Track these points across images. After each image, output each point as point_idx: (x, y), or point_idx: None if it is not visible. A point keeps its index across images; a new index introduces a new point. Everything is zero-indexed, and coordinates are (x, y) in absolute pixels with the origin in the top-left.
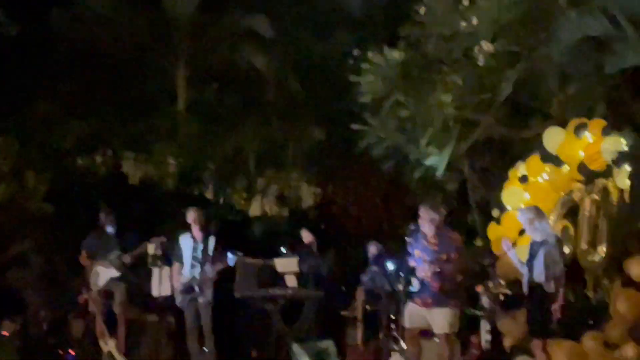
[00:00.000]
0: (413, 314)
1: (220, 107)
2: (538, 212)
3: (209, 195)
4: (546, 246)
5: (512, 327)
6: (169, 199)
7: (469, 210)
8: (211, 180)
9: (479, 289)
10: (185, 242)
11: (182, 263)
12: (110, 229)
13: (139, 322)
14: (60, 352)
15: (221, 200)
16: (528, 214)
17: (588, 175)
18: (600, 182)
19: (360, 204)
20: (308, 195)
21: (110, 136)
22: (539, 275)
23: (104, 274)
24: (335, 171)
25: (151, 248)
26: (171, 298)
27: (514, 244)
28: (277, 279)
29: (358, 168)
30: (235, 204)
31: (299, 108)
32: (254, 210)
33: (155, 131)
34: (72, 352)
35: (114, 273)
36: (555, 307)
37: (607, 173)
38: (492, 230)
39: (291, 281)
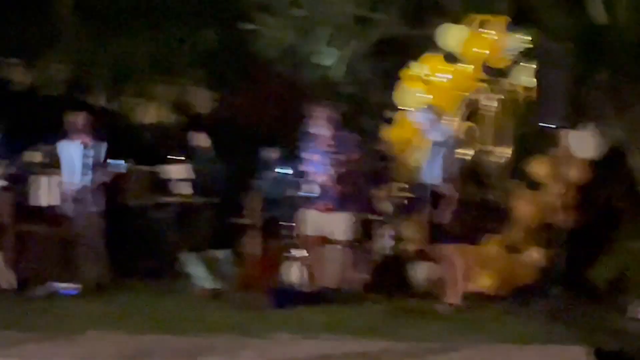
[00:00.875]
0: (313, 220)
1: (108, 8)
2: (439, 113)
3: (100, 102)
4: (446, 147)
5: (413, 232)
6: (58, 106)
7: (367, 113)
8: (102, 86)
9: (380, 192)
10: (75, 149)
11: (72, 171)
12: None
13: (28, 234)
14: None
15: (113, 108)
16: (429, 114)
17: (492, 74)
18: (505, 81)
19: (257, 109)
20: (204, 101)
21: None
22: (437, 177)
23: None
24: (231, 75)
25: (38, 156)
26: (60, 207)
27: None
28: (170, 186)
29: (255, 71)
30: (128, 110)
31: (191, 8)
32: (148, 117)
33: (39, 35)
34: None
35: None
36: (451, 209)
37: (511, 72)
38: (389, 133)
39: (184, 188)
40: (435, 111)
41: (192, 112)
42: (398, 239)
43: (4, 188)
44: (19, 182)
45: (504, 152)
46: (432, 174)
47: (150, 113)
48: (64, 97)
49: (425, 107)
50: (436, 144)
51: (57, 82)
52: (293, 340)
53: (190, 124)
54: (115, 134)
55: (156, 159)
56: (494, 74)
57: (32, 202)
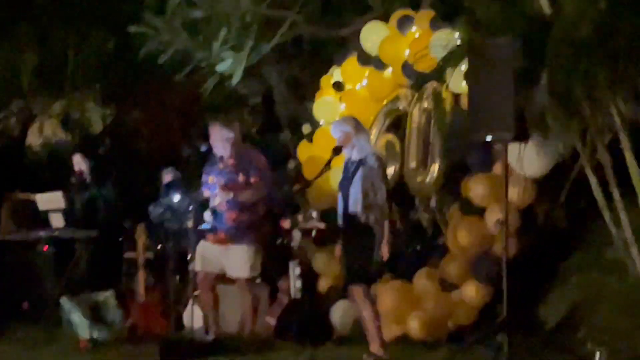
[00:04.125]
0: (206, 254)
1: None
2: (356, 125)
3: None
4: (364, 167)
5: (329, 266)
6: None
7: (279, 128)
8: None
9: (286, 223)
10: None
11: None
12: None
13: None
14: None
15: None
16: (343, 126)
17: (415, 78)
18: (431, 86)
19: (154, 124)
20: (96, 117)
21: None
22: (355, 203)
23: None
24: (125, 86)
25: None
26: None
27: (328, 167)
28: (43, 218)
29: (152, 82)
30: (10, 130)
31: (79, 11)
32: (33, 136)
33: None
34: None
35: None
36: (382, 244)
37: (438, 75)
38: (303, 150)
39: (57, 220)
40: (351, 123)
41: (82, 131)
42: (312, 275)
43: None
44: None
45: (433, 170)
46: (349, 199)
47: (36, 132)
48: None
49: (340, 119)
50: (352, 161)
51: None
52: None
53: (86, 144)
54: None
55: (43, 186)
56: (418, 77)
57: None
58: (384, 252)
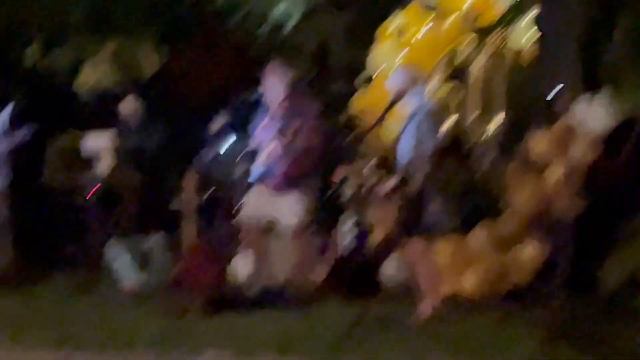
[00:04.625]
0: (256, 203)
1: None
2: (416, 74)
3: (30, 59)
4: (418, 118)
5: (383, 220)
6: None
7: (332, 77)
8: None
9: (339, 173)
10: None
11: None
12: None
13: None
14: None
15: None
16: (403, 76)
17: (480, 28)
18: (494, 37)
19: (206, 70)
20: (148, 60)
21: None
22: (407, 153)
23: None
24: (178, 30)
25: None
26: None
27: (385, 116)
28: (90, 161)
29: (206, 26)
30: (61, 70)
31: None
32: (84, 78)
33: None
34: None
35: None
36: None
37: (502, 26)
38: (359, 99)
39: (105, 163)
40: (412, 72)
41: (134, 74)
42: (364, 227)
43: None
44: None
45: (494, 123)
46: (405, 149)
47: (87, 74)
48: None
49: (401, 67)
50: (412, 112)
51: None
52: None
53: (135, 88)
54: (46, 97)
55: (91, 129)
56: (484, 26)
57: None
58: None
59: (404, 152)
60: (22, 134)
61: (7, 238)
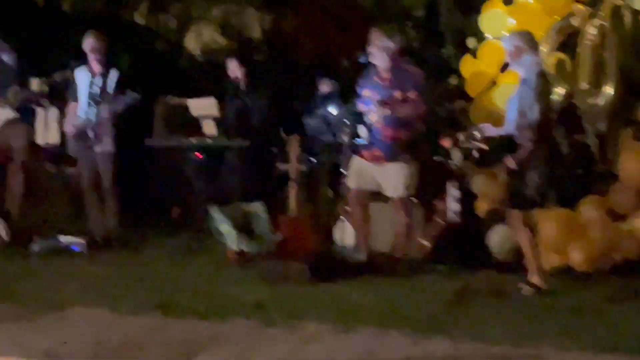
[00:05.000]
0: (360, 171)
1: None
2: (530, 40)
3: (139, 20)
4: (525, 86)
5: (488, 189)
6: (88, 23)
7: (440, 42)
8: (140, 4)
9: (446, 142)
10: (82, 77)
11: (77, 102)
12: (6, 57)
13: (34, 174)
14: None
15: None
16: (516, 40)
17: None
18: (609, 1)
19: (313, 33)
20: (255, 23)
21: None
22: (511, 123)
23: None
24: None
25: (35, 84)
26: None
27: (494, 83)
28: (196, 125)
29: None
30: (168, 33)
31: None
32: (191, 41)
33: None
34: None
35: (11, 114)
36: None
37: None
38: (467, 65)
39: (209, 127)
40: (524, 38)
41: (241, 36)
42: (470, 197)
43: (17, 119)
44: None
45: (606, 92)
46: (512, 117)
47: (193, 37)
48: (98, 14)
49: (514, 32)
50: (522, 79)
51: None
52: (321, 335)
53: (236, 50)
54: (152, 61)
55: (197, 92)
56: None
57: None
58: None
59: (511, 120)
60: (131, 97)
61: (112, 203)
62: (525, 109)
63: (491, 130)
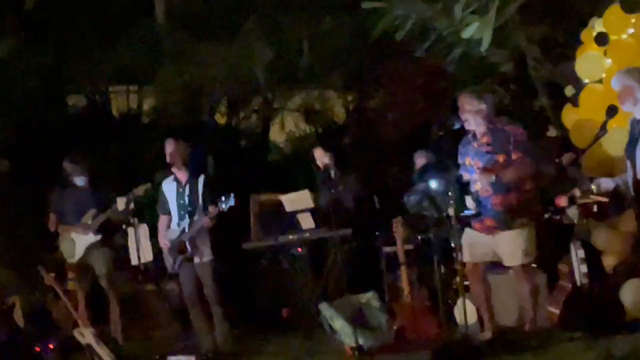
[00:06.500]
0: (473, 243)
1: (210, 14)
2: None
3: (220, 120)
4: None
5: (613, 242)
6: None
7: (534, 94)
8: (218, 102)
9: (561, 200)
10: (169, 188)
11: (168, 215)
12: (80, 181)
13: (134, 296)
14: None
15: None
16: (626, 79)
17: None
18: None
19: (400, 106)
20: (338, 105)
21: (82, 67)
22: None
23: (80, 241)
24: (364, 70)
25: (121, 203)
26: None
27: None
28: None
29: (392, 61)
30: (253, 127)
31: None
32: (275, 132)
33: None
34: (51, 345)
35: (92, 238)
36: None
37: None
38: (568, 115)
39: (306, 220)
40: (635, 76)
41: (325, 122)
42: (594, 254)
43: (99, 244)
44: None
45: None
46: (635, 161)
47: (278, 128)
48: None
49: (623, 70)
50: (638, 121)
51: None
52: None
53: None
54: (238, 156)
55: (288, 184)
56: None
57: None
58: None
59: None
60: (226, 203)
61: (219, 313)
62: None
63: (608, 183)
